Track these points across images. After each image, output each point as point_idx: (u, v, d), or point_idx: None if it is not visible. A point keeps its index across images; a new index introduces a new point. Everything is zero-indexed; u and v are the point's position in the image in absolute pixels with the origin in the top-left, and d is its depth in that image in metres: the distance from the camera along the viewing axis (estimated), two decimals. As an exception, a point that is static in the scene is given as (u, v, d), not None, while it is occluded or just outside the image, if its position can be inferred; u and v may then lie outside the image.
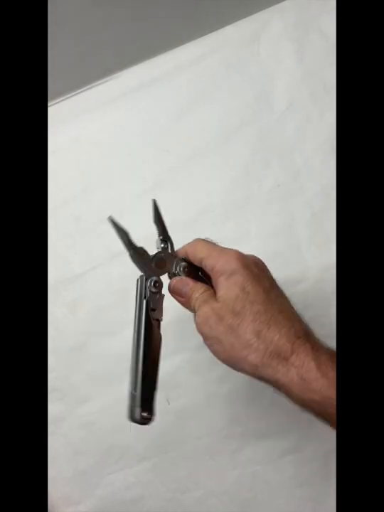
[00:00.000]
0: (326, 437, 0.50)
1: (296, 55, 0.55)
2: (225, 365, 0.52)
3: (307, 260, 0.52)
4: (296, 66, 0.55)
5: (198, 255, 0.35)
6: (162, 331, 0.53)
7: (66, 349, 0.53)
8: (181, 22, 0.55)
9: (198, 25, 0.56)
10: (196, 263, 0.35)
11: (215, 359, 0.53)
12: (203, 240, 0.36)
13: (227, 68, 0.56)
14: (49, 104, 0.56)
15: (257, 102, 0.55)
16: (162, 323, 0.52)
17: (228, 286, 0.32)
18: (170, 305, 0.52)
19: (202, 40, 0.56)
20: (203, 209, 0.53)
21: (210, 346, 0.32)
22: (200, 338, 0.51)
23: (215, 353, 0.32)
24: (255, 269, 0.33)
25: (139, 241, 0.54)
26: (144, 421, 0.33)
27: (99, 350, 0.52)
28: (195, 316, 0.33)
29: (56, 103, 0.57)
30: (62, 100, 0.57)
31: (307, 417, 0.52)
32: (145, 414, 0.33)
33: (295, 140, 0.54)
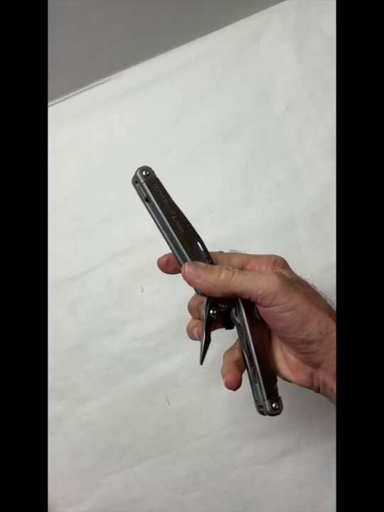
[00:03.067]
0: (326, 437, 0.50)
1: (296, 55, 0.55)
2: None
3: (307, 260, 0.52)
4: (296, 66, 0.55)
5: (236, 261, 0.35)
6: (162, 331, 0.53)
7: (66, 349, 0.53)
8: (181, 22, 0.55)
9: (198, 25, 0.56)
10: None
11: (215, 359, 0.53)
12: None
13: (227, 68, 0.56)
14: (49, 104, 0.56)
15: (257, 102, 0.55)
16: (162, 323, 0.53)
17: (290, 271, 0.34)
18: (170, 305, 0.53)
19: (202, 40, 0.56)
20: (203, 209, 0.53)
21: (285, 309, 0.30)
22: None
23: (292, 314, 0.30)
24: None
25: (139, 241, 0.54)
26: (275, 412, 0.33)
27: (99, 350, 0.53)
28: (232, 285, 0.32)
29: (56, 103, 0.57)
30: (62, 100, 0.57)
31: (307, 417, 0.52)
32: (274, 404, 0.33)
33: (295, 140, 0.54)
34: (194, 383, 0.52)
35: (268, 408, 0.33)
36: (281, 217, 0.53)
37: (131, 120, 0.56)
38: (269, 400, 0.33)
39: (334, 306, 0.32)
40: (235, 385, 0.34)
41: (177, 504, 0.51)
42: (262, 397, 0.33)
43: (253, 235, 0.53)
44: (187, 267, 0.33)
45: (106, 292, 0.53)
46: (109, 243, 0.54)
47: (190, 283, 0.33)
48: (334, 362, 0.31)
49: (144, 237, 0.53)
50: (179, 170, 0.54)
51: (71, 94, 0.57)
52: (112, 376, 0.52)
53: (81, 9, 0.50)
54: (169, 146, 0.55)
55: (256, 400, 0.34)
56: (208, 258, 0.34)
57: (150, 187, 0.34)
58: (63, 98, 0.57)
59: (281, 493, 0.51)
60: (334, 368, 0.31)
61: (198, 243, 0.34)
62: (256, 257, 0.35)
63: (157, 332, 0.52)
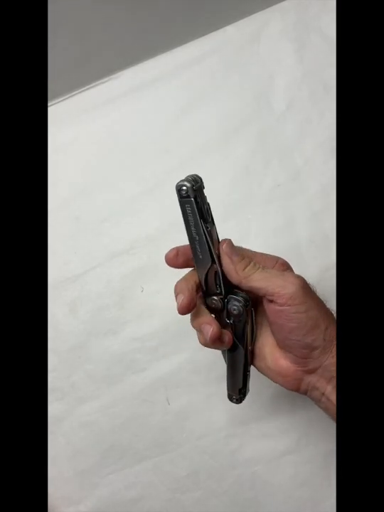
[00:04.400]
0: (326, 437, 0.50)
1: (296, 55, 0.55)
2: (224, 365, 0.52)
3: (307, 260, 0.52)
4: (296, 66, 0.55)
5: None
6: (162, 331, 0.53)
7: (66, 349, 0.53)
8: (181, 22, 0.55)
9: (198, 25, 0.56)
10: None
11: (215, 359, 0.53)
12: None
13: (227, 68, 0.56)
14: (49, 104, 0.56)
15: (257, 102, 0.55)
16: (162, 323, 0.53)
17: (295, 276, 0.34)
18: (170, 305, 0.53)
19: (202, 40, 0.56)
20: (202, 209, 0.53)
21: (299, 311, 0.31)
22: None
23: (305, 317, 0.31)
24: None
25: (139, 241, 0.54)
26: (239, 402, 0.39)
27: (99, 350, 0.53)
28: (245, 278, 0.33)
29: (56, 103, 0.57)
30: (62, 100, 0.57)
31: (307, 417, 0.52)
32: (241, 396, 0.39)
33: (295, 140, 0.54)
34: (194, 383, 0.52)
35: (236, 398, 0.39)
36: (281, 217, 0.53)
37: (131, 120, 0.56)
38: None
39: (335, 313, 0.33)
40: (187, 310, 0.35)
41: (177, 504, 0.51)
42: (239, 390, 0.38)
43: (253, 235, 0.53)
44: (226, 244, 0.34)
45: (106, 292, 0.53)
46: (109, 243, 0.54)
47: (222, 258, 0.34)
48: (332, 368, 0.31)
49: (144, 237, 0.53)
50: (179, 170, 0.54)
51: (71, 94, 0.57)
52: (111, 376, 0.52)
53: (81, 9, 0.50)
54: (169, 146, 0.55)
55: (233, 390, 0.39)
56: (219, 285, 0.35)
57: (182, 206, 0.32)
58: (63, 98, 0.57)
59: (281, 493, 0.51)
60: (330, 374, 0.32)
61: (212, 275, 0.34)
62: (262, 254, 0.36)
63: (157, 332, 0.52)
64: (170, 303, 0.54)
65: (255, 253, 0.36)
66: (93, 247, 0.54)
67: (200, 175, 0.32)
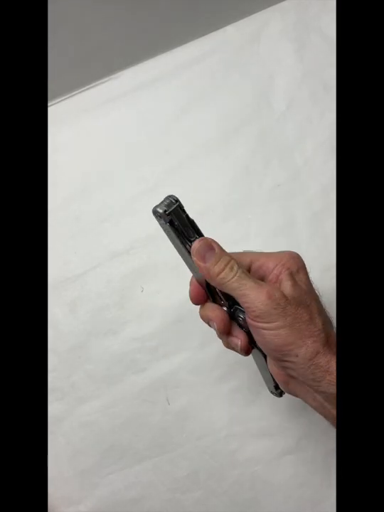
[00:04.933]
0: (326, 437, 0.50)
1: (296, 55, 0.55)
2: (225, 365, 0.52)
3: (307, 260, 0.52)
4: (296, 66, 0.55)
5: (245, 258, 0.34)
6: (162, 331, 0.53)
7: (66, 349, 0.53)
8: (181, 22, 0.55)
9: (198, 25, 0.56)
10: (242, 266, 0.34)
11: (215, 359, 0.53)
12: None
13: (227, 68, 0.56)
14: (49, 104, 0.56)
15: (257, 102, 0.55)
16: (162, 323, 0.53)
17: (299, 280, 0.33)
18: (170, 305, 0.53)
19: (202, 40, 0.56)
20: (203, 209, 0.53)
21: (268, 329, 0.30)
22: (200, 338, 0.51)
23: (273, 335, 0.30)
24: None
25: (138, 241, 0.54)
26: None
27: (99, 350, 0.53)
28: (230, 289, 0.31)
29: (56, 103, 0.57)
30: (62, 100, 0.57)
31: (307, 417, 0.52)
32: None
33: (295, 140, 0.54)
34: (194, 383, 0.52)
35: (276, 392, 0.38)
36: (281, 217, 0.53)
37: (131, 120, 0.56)
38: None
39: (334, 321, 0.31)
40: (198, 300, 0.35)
41: (177, 504, 0.51)
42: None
43: (253, 235, 0.53)
44: (197, 243, 0.32)
45: (106, 292, 0.53)
46: (109, 243, 0.54)
47: (195, 262, 0.32)
48: (315, 384, 0.30)
49: (144, 237, 0.53)
50: (179, 170, 0.54)
51: (71, 94, 0.57)
52: (111, 376, 0.52)
53: (81, 9, 0.50)
54: (169, 146, 0.55)
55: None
56: (219, 296, 0.35)
57: (162, 228, 0.33)
58: (63, 98, 0.57)
59: (281, 493, 0.51)
60: (317, 387, 0.30)
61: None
62: (267, 255, 0.34)
63: (157, 332, 0.52)
64: (170, 303, 0.54)
65: (261, 254, 0.34)
66: (93, 247, 0.54)
67: (176, 194, 0.33)
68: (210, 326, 0.36)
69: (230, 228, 0.53)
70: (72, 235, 0.55)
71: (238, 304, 0.34)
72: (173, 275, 0.51)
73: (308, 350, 0.29)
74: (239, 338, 0.34)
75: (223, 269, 0.31)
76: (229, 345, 0.36)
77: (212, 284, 0.33)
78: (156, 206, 0.32)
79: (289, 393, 0.35)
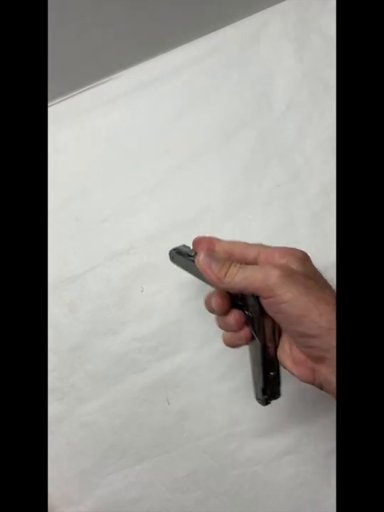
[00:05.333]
0: (326, 437, 0.50)
1: (296, 55, 0.55)
2: (224, 365, 0.52)
3: (307, 260, 0.52)
4: (296, 66, 0.55)
5: (251, 252, 0.36)
6: (162, 331, 0.53)
7: (66, 349, 0.53)
8: (181, 22, 0.54)
9: (198, 25, 0.56)
10: (248, 259, 0.36)
11: (215, 359, 0.53)
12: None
13: (227, 68, 0.56)
14: (49, 104, 0.56)
15: (257, 102, 0.55)
16: (162, 323, 0.53)
17: (305, 264, 0.34)
18: (170, 305, 0.53)
19: (202, 40, 0.56)
20: (203, 209, 0.53)
21: (283, 302, 0.31)
22: (200, 338, 0.51)
23: (290, 307, 0.30)
24: None
25: (138, 241, 0.54)
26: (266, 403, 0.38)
27: (99, 350, 0.53)
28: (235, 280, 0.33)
29: (56, 103, 0.57)
30: (62, 100, 0.57)
31: (307, 417, 0.52)
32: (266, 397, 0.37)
33: (295, 140, 0.54)
34: (194, 383, 0.52)
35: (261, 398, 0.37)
36: (281, 217, 0.53)
37: (131, 120, 0.56)
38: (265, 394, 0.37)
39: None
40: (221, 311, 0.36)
41: (177, 504, 0.51)
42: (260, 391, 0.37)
43: (253, 235, 0.53)
44: (202, 258, 0.34)
45: (106, 292, 0.53)
46: (109, 243, 0.54)
47: (202, 273, 0.34)
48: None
49: (144, 237, 0.53)
50: (179, 170, 0.54)
51: (71, 94, 0.57)
52: (111, 376, 0.52)
53: (81, 9, 0.50)
54: (169, 146, 0.55)
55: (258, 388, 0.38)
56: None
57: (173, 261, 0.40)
58: (63, 98, 0.57)
59: (281, 493, 0.51)
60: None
61: None
62: (274, 248, 0.36)
63: (157, 332, 0.52)
64: (170, 303, 0.54)
65: (267, 247, 0.36)
66: (93, 247, 0.54)
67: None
68: (212, 311, 0.37)
69: (230, 228, 0.53)
70: (72, 235, 0.55)
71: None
72: (173, 275, 0.51)
73: (328, 318, 0.30)
74: (234, 318, 0.35)
75: (228, 268, 0.33)
76: (226, 327, 0.37)
77: (224, 287, 0.34)
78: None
79: (316, 385, 0.33)
